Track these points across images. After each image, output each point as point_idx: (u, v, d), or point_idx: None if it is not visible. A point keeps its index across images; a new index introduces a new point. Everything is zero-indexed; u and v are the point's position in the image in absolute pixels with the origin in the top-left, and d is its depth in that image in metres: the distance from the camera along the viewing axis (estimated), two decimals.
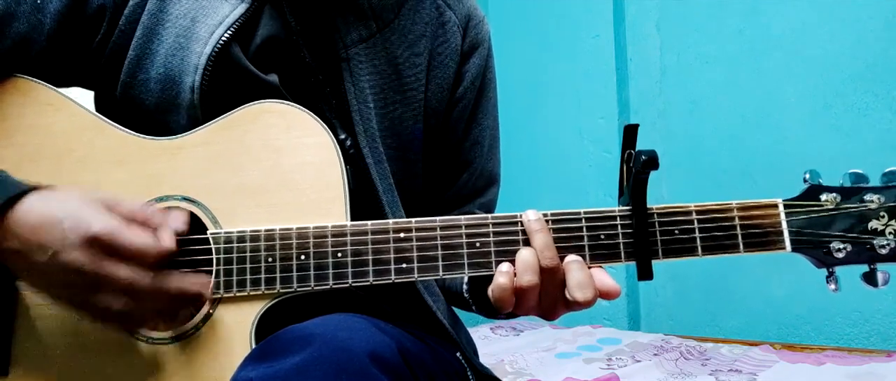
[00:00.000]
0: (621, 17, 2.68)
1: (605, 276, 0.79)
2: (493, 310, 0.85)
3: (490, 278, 0.80)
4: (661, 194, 2.53)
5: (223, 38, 0.87)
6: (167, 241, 0.74)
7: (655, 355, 2.05)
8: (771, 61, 2.31)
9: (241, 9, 0.89)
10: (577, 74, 2.76)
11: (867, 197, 0.78)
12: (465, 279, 0.94)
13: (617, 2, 2.67)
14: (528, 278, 0.77)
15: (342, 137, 0.92)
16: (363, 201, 0.88)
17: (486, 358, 1.82)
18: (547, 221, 0.79)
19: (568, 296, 0.78)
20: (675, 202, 0.81)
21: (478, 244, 0.80)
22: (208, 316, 0.79)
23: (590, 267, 0.79)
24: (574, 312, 0.82)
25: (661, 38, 2.58)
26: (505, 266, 0.79)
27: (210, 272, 0.79)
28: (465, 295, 0.94)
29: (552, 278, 0.78)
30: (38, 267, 0.71)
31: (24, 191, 0.72)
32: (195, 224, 0.80)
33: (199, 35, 0.87)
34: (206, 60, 0.86)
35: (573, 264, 0.78)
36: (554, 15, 2.84)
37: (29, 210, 0.71)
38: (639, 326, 2.62)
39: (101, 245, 0.70)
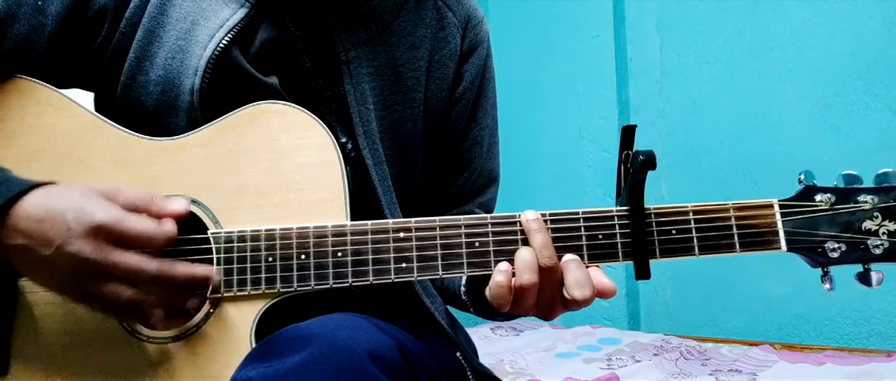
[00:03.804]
0: (621, 18, 2.68)
1: (602, 275, 0.80)
2: (491, 311, 0.85)
3: (487, 280, 0.80)
4: (660, 194, 2.53)
5: (223, 42, 0.87)
6: (169, 226, 0.75)
7: (655, 355, 2.05)
8: (771, 61, 2.31)
9: (241, 13, 0.89)
10: (576, 74, 2.76)
11: (861, 198, 0.79)
12: (463, 281, 0.94)
13: (617, 2, 2.67)
14: (527, 277, 0.78)
15: (343, 140, 0.92)
16: (362, 203, 0.89)
17: (486, 358, 1.82)
18: (545, 221, 0.80)
19: (566, 295, 0.79)
20: (675, 202, 0.81)
21: (477, 244, 0.80)
22: (208, 315, 0.79)
23: (587, 267, 0.79)
24: (571, 311, 0.82)
25: (661, 38, 2.58)
26: (503, 266, 0.79)
27: None
28: (463, 296, 0.94)
29: (550, 278, 0.79)
30: (45, 261, 0.71)
31: (26, 188, 0.72)
32: (196, 224, 0.81)
33: (198, 38, 0.88)
34: (206, 63, 0.86)
35: (571, 264, 0.79)
36: (554, 15, 2.84)
37: (32, 206, 0.71)
38: (639, 326, 2.62)
39: (105, 234, 0.71)
